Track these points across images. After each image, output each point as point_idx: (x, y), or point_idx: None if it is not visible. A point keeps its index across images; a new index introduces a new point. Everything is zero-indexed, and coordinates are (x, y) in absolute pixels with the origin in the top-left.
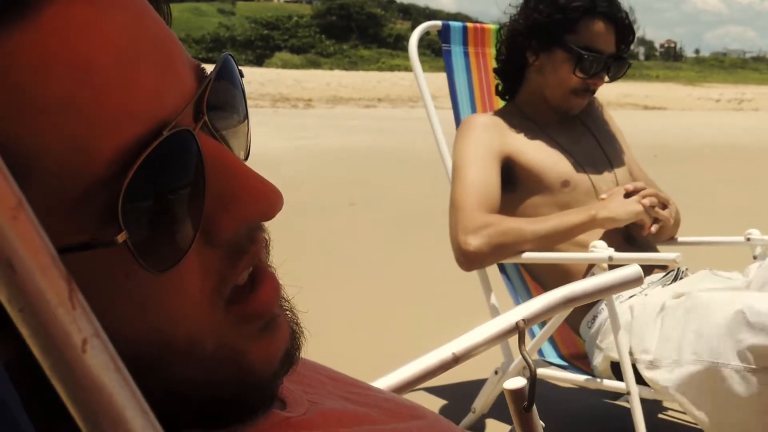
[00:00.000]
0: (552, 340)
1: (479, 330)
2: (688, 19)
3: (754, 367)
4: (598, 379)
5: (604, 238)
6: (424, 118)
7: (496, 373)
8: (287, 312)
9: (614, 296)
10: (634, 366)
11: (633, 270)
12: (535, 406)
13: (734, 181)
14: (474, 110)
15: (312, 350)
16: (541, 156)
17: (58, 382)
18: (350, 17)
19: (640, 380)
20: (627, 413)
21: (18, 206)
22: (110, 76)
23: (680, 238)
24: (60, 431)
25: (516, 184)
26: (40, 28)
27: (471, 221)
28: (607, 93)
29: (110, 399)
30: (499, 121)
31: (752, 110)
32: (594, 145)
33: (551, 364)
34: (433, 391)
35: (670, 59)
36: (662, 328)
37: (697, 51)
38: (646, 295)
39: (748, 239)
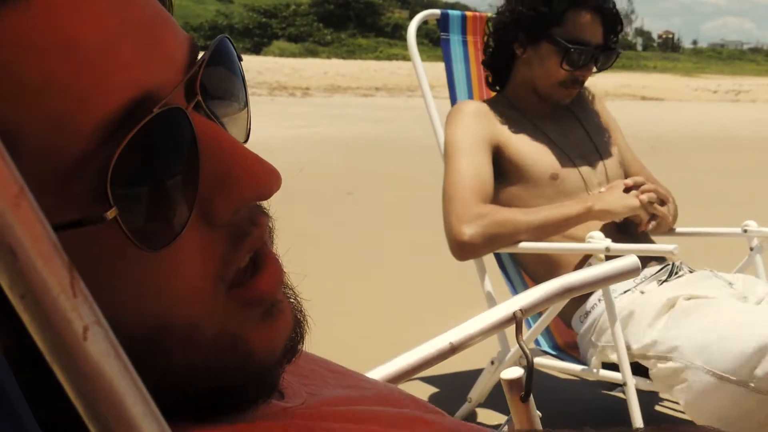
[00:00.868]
0: (548, 330)
1: (477, 320)
2: (686, 9)
3: None
4: (595, 370)
5: (599, 228)
6: (421, 108)
7: (492, 363)
8: (291, 300)
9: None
10: (634, 362)
11: (631, 261)
12: (532, 396)
13: (731, 173)
14: (471, 99)
15: (309, 339)
16: (530, 148)
17: (59, 369)
18: (348, 6)
19: (636, 371)
20: (623, 404)
21: (20, 193)
22: (93, 52)
23: (677, 229)
24: (60, 419)
25: (504, 175)
26: (30, 7)
27: (465, 211)
28: (605, 83)
29: (111, 387)
30: (489, 110)
31: (750, 101)
32: (584, 137)
33: (547, 353)
34: (429, 380)
35: (667, 50)
36: (675, 327)
37: (694, 42)
38: (642, 292)
39: (745, 231)
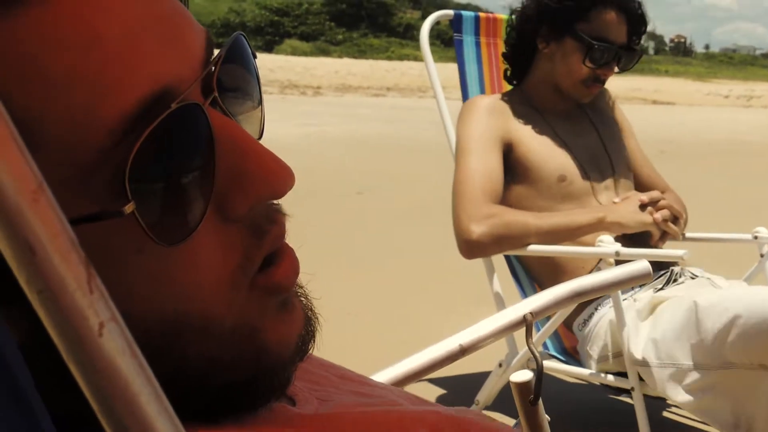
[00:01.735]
0: (555, 333)
1: (487, 322)
2: (698, 14)
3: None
4: (602, 374)
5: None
6: (432, 108)
7: (500, 365)
8: (302, 298)
9: (601, 299)
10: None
11: (642, 265)
12: (541, 400)
13: (742, 178)
14: None
15: (318, 339)
16: (540, 148)
17: (74, 365)
18: (360, 5)
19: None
20: (631, 408)
21: (38, 189)
22: (114, 47)
23: (687, 234)
24: (76, 415)
25: (513, 173)
26: (54, 2)
27: (475, 209)
28: (616, 86)
29: (125, 383)
30: (504, 106)
31: (761, 107)
32: (596, 140)
33: (554, 357)
34: (437, 382)
35: (679, 54)
36: (654, 332)
37: (706, 46)
38: (635, 300)
39: (756, 237)
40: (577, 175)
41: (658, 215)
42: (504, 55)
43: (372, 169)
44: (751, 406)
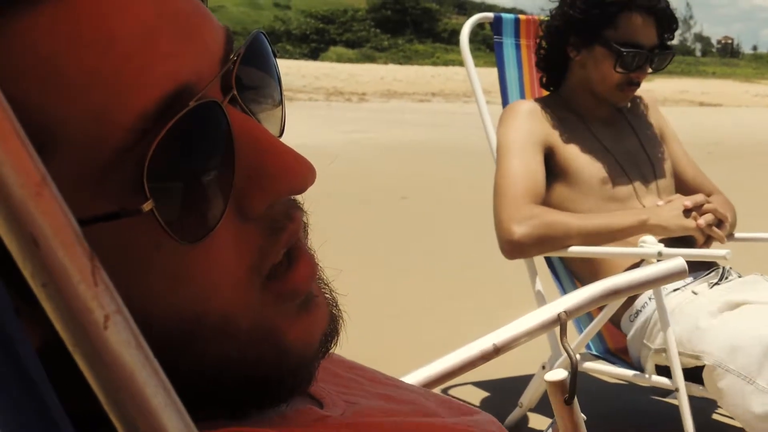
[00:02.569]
0: (599, 334)
1: (521, 321)
2: (745, 15)
3: None
4: (646, 375)
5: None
6: (477, 113)
7: (543, 367)
8: (327, 295)
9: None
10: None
11: (677, 263)
12: (576, 399)
13: None
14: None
15: (360, 339)
16: (581, 151)
17: (80, 358)
18: (405, 12)
19: (689, 377)
20: (675, 409)
21: (42, 182)
22: (132, 46)
23: (736, 234)
24: (93, 417)
25: (554, 176)
26: (71, 1)
27: (517, 210)
28: (663, 89)
29: (132, 376)
30: (544, 110)
31: None
32: (636, 145)
33: (598, 357)
34: (480, 385)
35: (726, 55)
36: (728, 335)
37: (754, 47)
38: (694, 293)
39: None
40: (618, 179)
41: (702, 220)
42: (537, 64)
43: (416, 174)
44: None
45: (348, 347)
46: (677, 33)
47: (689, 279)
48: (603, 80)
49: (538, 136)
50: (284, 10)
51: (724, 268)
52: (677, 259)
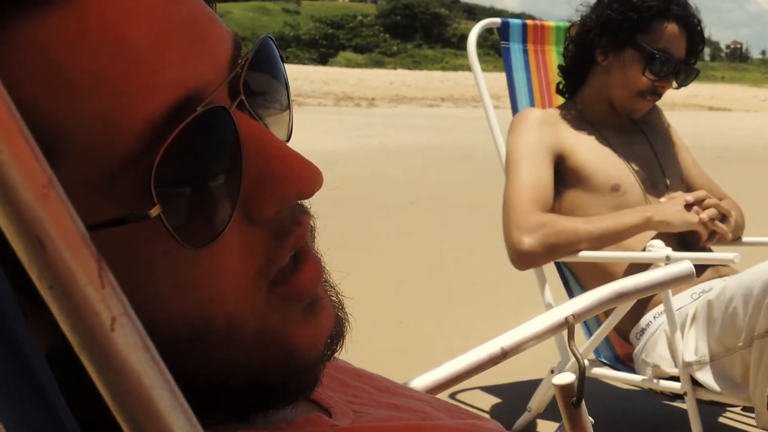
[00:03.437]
0: (607, 340)
1: (528, 325)
2: (754, 20)
3: None
4: (655, 380)
5: (659, 239)
6: (486, 118)
7: (552, 372)
8: (333, 298)
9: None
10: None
11: (684, 266)
12: (584, 403)
13: None
14: (533, 107)
15: (368, 344)
16: (593, 157)
17: (87, 360)
18: (414, 17)
19: (697, 381)
20: (684, 414)
21: (48, 184)
22: (141, 51)
23: (744, 239)
24: (102, 421)
25: (565, 183)
26: (79, 4)
27: (525, 220)
28: (673, 94)
29: (138, 378)
30: (555, 117)
31: None
32: (648, 152)
33: (607, 364)
34: (489, 390)
35: (735, 60)
36: (707, 328)
37: (763, 52)
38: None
39: None
40: (630, 185)
41: (705, 215)
42: (560, 67)
43: (425, 179)
44: None
45: (356, 351)
46: None
47: (696, 294)
48: (627, 85)
49: (548, 143)
50: (293, 15)
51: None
52: (684, 262)
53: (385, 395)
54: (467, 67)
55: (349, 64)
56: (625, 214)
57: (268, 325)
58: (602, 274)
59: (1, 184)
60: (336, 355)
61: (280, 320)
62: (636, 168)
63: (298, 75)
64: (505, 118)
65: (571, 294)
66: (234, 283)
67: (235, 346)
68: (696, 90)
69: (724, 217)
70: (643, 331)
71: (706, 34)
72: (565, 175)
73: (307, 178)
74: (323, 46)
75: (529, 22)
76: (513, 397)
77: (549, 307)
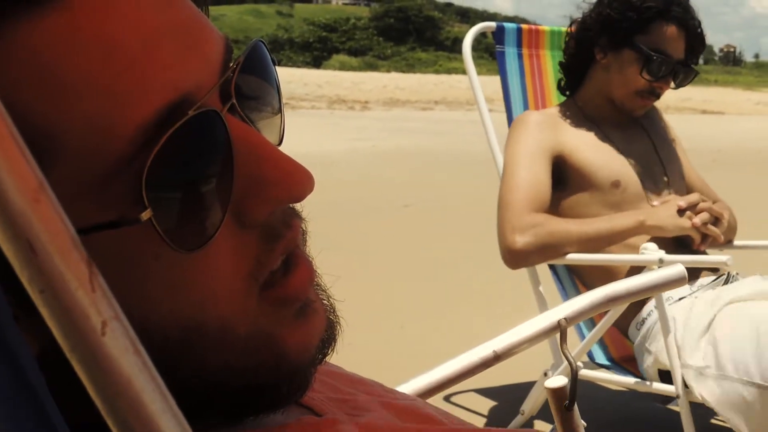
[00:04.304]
0: (601, 342)
1: (521, 328)
2: (747, 23)
3: None
4: (647, 382)
5: (653, 240)
6: (480, 121)
7: (545, 375)
8: (324, 301)
9: (664, 299)
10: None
11: (677, 270)
12: (576, 406)
13: None
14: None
15: (361, 347)
16: (594, 154)
17: (78, 364)
18: (408, 20)
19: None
20: (676, 416)
21: (39, 189)
22: (133, 54)
23: (736, 242)
24: (94, 426)
25: (567, 181)
26: (71, 7)
27: (519, 220)
28: (666, 97)
29: (129, 382)
30: (555, 117)
31: None
32: (649, 149)
33: (600, 366)
34: (482, 392)
35: (729, 64)
36: (711, 337)
37: (756, 56)
38: (696, 298)
39: None
40: (631, 182)
41: (697, 219)
42: (561, 63)
43: (419, 182)
44: None
45: (350, 354)
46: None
47: (695, 287)
48: (625, 85)
49: (547, 144)
50: (287, 18)
51: (729, 274)
52: (677, 265)
53: (376, 399)
54: (461, 70)
55: (343, 67)
56: (619, 218)
57: (259, 328)
58: (603, 272)
59: None
60: (328, 358)
61: (272, 323)
62: (637, 164)
63: (292, 78)
64: (499, 121)
65: (564, 295)
66: (225, 286)
67: (227, 349)
68: (689, 93)
69: (716, 220)
70: (644, 320)
71: None
72: (566, 174)
73: (299, 181)
74: (317, 49)
75: (524, 26)
76: (506, 400)
77: (543, 307)
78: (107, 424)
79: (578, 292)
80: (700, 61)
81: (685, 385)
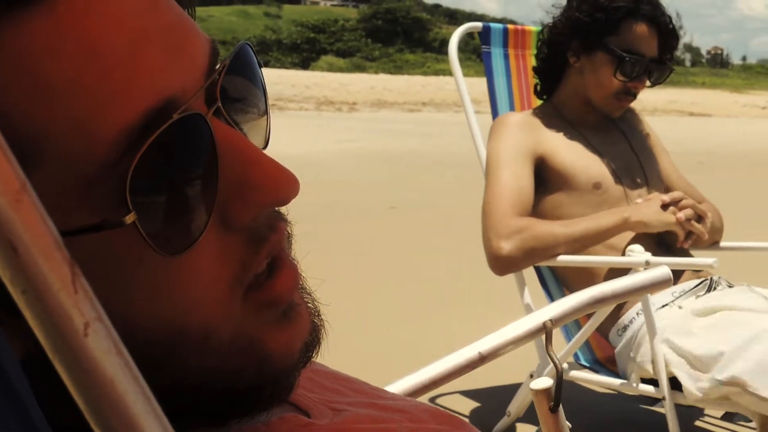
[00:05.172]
0: (587, 343)
1: (506, 329)
2: (734, 25)
3: None
4: (634, 384)
5: (638, 242)
6: (467, 123)
7: (531, 376)
8: (309, 304)
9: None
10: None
11: (662, 271)
12: (562, 407)
13: None
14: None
15: (347, 349)
16: (574, 157)
17: (60, 365)
18: (396, 21)
19: (675, 386)
20: (662, 419)
21: (21, 190)
22: (117, 57)
23: (722, 243)
24: (71, 426)
25: (547, 184)
26: (55, 11)
27: (504, 226)
28: (654, 99)
29: (112, 383)
30: (534, 120)
31: None
32: (628, 150)
33: (586, 367)
34: (468, 394)
35: (716, 66)
36: (708, 341)
37: (743, 58)
38: (680, 307)
39: None
40: (611, 183)
41: (681, 214)
42: (535, 69)
43: (406, 183)
44: None
45: (336, 356)
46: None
47: (677, 293)
48: (600, 87)
49: (528, 147)
50: (275, 19)
51: (711, 279)
52: (662, 267)
53: (362, 396)
54: (448, 72)
55: (331, 68)
56: (603, 216)
57: (243, 331)
58: (587, 275)
59: None
60: (312, 361)
61: (256, 326)
62: (616, 166)
63: (280, 79)
64: (486, 123)
65: (550, 298)
66: (209, 289)
67: (211, 352)
68: (676, 96)
69: (700, 218)
70: (625, 327)
71: (687, 39)
72: (546, 177)
73: (284, 185)
74: (305, 51)
75: (510, 26)
76: (492, 401)
77: (529, 311)
78: (90, 426)
79: (563, 295)
80: (687, 63)
81: (672, 387)
